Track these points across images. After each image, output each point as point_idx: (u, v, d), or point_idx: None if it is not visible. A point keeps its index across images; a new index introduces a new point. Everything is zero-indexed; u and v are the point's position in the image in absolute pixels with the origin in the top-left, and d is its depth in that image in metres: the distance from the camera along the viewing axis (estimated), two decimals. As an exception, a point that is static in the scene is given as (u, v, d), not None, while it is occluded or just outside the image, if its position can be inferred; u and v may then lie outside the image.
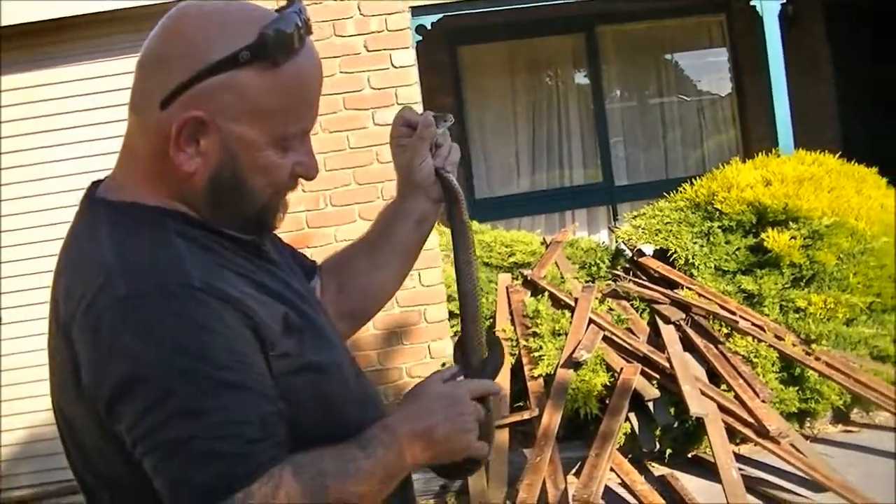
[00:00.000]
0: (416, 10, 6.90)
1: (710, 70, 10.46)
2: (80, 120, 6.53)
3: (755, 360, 6.02)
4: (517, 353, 6.28)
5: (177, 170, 1.59)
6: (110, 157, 1.72)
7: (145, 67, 1.61)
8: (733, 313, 6.27)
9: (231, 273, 1.59)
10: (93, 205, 1.66)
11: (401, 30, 6.74)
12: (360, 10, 6.67)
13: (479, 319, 1.88)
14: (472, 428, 1.70)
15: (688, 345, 6.15)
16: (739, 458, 5.61)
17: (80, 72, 6.58)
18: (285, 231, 6.63)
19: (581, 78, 10.27)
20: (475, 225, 7.48)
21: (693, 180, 7.49)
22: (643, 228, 7.06)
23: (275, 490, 1.45)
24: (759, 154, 7.59)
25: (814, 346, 6.17)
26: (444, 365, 6.50)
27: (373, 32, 6.66)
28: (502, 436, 5.73)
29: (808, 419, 6.21)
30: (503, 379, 6.09)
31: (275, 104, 1.59)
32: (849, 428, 6.22)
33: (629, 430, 5.82)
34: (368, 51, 6.67)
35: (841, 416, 6.29)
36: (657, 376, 5.93)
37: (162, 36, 1.61)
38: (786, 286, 6.53)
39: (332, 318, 1.90)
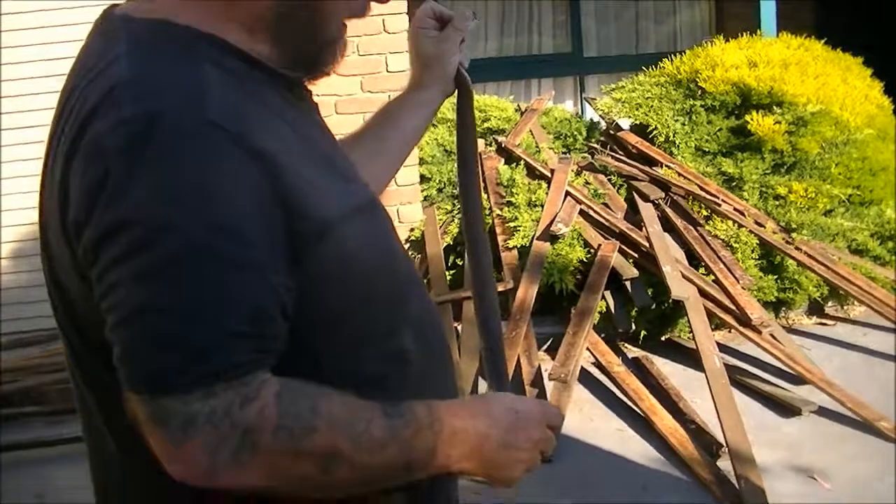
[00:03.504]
0: None
1: (689, -57, 10.13)
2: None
3: (735, 245, 5.87)
4: (490, 222, 6.06)
5: None
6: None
7: None
8: (714, 196, 6.09)
9: (271, 116, 1.33)
10: (110, 21, 1.39)
11: None
12: None
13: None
14: (528, 459, 1.43)
15: (666, 225, 5.97)
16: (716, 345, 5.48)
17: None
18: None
19: (557, -59, 9.89)
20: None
21: (670, 56, 7.28)
22: (623, 101, 6.83)
23: (244, 402, 1.18)
24: (737, 32, 7.40)
25: (794, 235, 6.03)
26: (412, 230, 6.29)
27: None
28: (472, 307, 5.53)
29: (784, 309, 6.09)
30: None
31: None
32: (823, 321, 6.11)
33: (604, 310, 5.65)
34: None
35: (816, 309, 6.19)
36: (635, 255, 5.76)
37: None
38: (766, 172, 6.37)
39: None
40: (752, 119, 6.41)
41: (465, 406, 1.43)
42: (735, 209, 6.06)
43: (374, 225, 1.44)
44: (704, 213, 6.07)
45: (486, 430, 1.38)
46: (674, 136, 6.54)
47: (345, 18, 1.47)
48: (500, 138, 6.69)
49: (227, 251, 1.19)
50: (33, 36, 6.20)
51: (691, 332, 5.23)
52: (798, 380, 5.15)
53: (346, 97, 6.36)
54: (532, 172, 6.37)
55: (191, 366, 1.17)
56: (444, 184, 6.57)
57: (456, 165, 1.87)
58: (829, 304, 6.20)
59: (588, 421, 4.99)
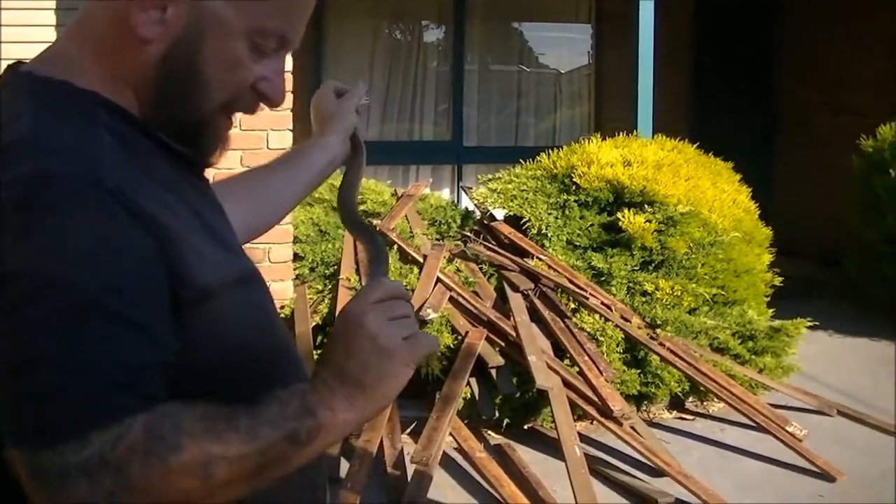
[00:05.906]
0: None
1: (572, 44, 10.41)
2: None
3: (601, 338, 5.96)
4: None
5: (131, 34, 1.36)
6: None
7: None
8: (582, 289, 6.19)
9: (158, 186, 1.35)
10: (16, 76, 1.41)
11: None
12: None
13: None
14: (406, 351, 1.35)
15: (534, 316, 6.03)
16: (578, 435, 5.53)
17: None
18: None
19: (443, 34, 10.08)
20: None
21: (547, 151, 7.40)
22: (499, 192, 6.93)
23: (115, 442, 1.16)
24: (614, 133, 7.56)
25: (658, 331, 6.15)
26: (282, 307, 6.26)
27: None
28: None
29: (646, 403, 6.19)
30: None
31: None
32: (683, 415, 6.24)
33: (468, 396, 5.67)
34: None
35: (677, 403, 6.31)
36: (502, 344, 5.80)
37: None
38: (635, 268, 6.50)
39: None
40: (623, 216, 6.54)
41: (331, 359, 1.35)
42: (602, 303, 6.17)
43: (253, 296, 1.46)
44: (572, 305, 6.16)
45: (358, 373, 1.32)
46: (546, 229, 6.64)
47: (231, 112, 1.48)
48: (375, 222, 6.73)
49: (111, 308, 1.19)
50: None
51: (554, 421, 5.27)
52: (656, 472, 5.22)
53: (224, 170, 6.32)
54: (405, 257, 6.41)
55: (68, 417, 1.16)
56: (317, 263, 6.57)
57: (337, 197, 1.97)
58: (690, 399, 6.33)
59: (447, 506, 4.99)
